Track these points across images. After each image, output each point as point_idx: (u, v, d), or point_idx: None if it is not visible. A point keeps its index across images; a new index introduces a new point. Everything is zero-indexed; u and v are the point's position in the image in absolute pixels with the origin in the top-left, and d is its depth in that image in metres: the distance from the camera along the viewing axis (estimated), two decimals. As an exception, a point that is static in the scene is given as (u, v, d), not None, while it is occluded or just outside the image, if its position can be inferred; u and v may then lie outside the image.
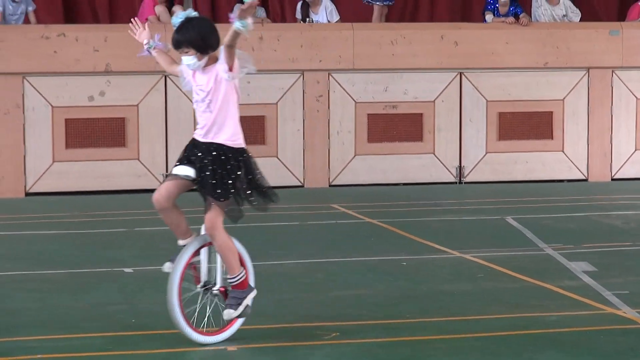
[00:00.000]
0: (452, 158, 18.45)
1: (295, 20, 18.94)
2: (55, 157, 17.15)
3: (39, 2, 18.55)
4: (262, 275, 11.45)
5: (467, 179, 18.54)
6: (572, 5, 19.45)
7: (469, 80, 18.45)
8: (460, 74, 18.42)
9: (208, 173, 8.61)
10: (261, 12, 18.77)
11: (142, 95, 17.42)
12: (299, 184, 17.90)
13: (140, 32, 9.11)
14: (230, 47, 8.58)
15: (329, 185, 17.98)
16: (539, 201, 16.82)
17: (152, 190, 17.06)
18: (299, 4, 18.84)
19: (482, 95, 18.47)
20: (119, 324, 9.50)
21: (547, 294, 10.51)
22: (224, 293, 8.70)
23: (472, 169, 18.52)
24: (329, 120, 18.04)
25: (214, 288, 8.73)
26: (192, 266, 8.71)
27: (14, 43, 17.00)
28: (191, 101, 8.91)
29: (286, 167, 17.89)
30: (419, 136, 18.34)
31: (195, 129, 8.84)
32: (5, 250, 13.06)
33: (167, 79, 17.44)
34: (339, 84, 18.04)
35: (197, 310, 8.69)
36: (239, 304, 8.59)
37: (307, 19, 18.59)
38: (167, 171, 17.50)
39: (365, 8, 19.63)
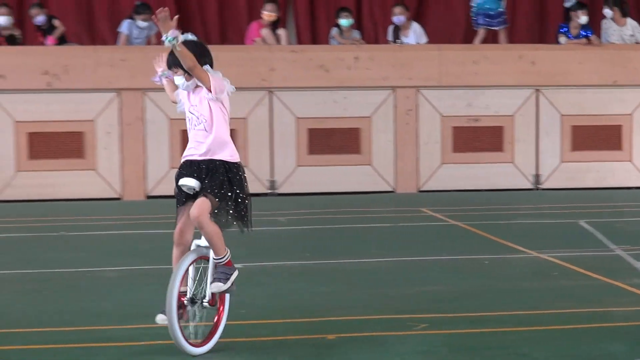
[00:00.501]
0: (530, 167, 18.35)
1: (387, 42, 18.90)
2: (172, 164, 17.25)
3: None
4: (359, 271, 11.52)
5: (544, 186, 18.43)
6: (637, 25, 19.27)
7: (545, 97, 18.33)
8: (537, 90, 18.32)
9: (207, 180, 8.15)
10: (357, 34, 18.77)
11: (249, 109, 17.47)
12: (391, 189, 17.86)
13: (159, 62, 8.68)
14: (193, 70, 8.04)
15: (418, 191, 17.93)
16: (610, 206, 16.68)
17: (259, 195, 17.29)
18: (391, 27, 18.82)
19: (557, 109, 18.36)
20: (230, 314, 9.52)
21: (617, 291, 10.40)
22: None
23: (548, 177, 18.41)
24: (417, 132, 17.99)
25: (204, 300, 8.25)
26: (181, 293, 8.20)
27: (136, 62, 17.14)
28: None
29: (379, 174, 17.87)
30: (499, 147, 18.27)
31: (186, 148, 8.27)
32: (128, 247, 13.16)
33: (272, 95, 17.49)
34: (427, 99, 18.00)
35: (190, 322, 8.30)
36: (227, 279, 8.24)
37: (398, 41, 18.57)
38: (271, 177, 17.56)
39: (451, 30, 19.62)
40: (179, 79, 8.30)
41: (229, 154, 8.24)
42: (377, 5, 20.43)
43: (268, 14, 18.10)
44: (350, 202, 16.83)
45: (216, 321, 8.35)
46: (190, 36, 8.37)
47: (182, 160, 8.30)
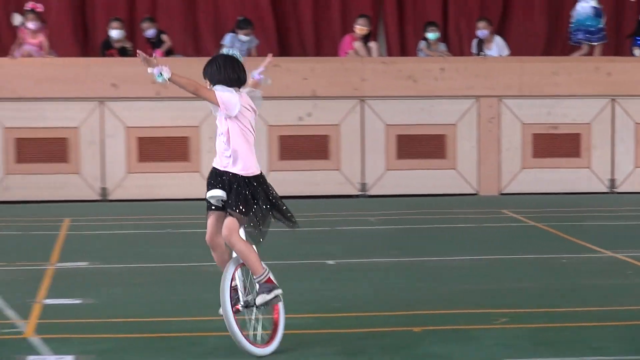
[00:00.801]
0: (605, 172, 18.20)
1: (471, 54, 18.86)
2: (270, 167, 17.36)
3: (260, 37, 18.80)
4: (444, 268, 11.52)
5: (619, 190, 18.27)
6: None
7: (620, 106, 18.19)
8: (613, 100, 18.17)
9: (232, 194, 8.03)
10: (443, 46, 18.77)
11: (342, 117, 17.52)
12: (474, 192, 17.82)
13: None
14: (196, 93, 8.01)
15: (500, 194, 17.86)
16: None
17: (350, 196, 17.33)
18: (475, 41, 18.79)
19: (631, 118, 18.20)
20: (323, 307, 9.58)
21: (689, 289, 10.35)
22: None
23: (623, 181, 18.25)
24: (499, 138, 17.94)
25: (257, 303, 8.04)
26: (233, 289, 8.03)
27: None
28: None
29: (463, 177, 17.84)
30: (577, 153, 18.15)
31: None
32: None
33: (363, 103, 17.53)
34: (509, 108, 17.94)
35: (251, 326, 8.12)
36: (271, 291, 7.96)
37: (482, 53, 18.53)
38: (362, 180, 17.60)
39: (531, 44, 19.55)
40: None
41: (241, 167, 8.08)
42: (463, 19, 20.37)
43: (360, 28, 18.17)
44: (435, 203, 16.82)
45: (274, 326, 8.12)
46: (232, 51, 8.38)
47: (211, 168, 8.25)
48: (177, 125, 17.12)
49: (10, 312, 9.35)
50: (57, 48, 18.50)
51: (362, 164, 17.64)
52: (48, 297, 10.02)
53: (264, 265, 8.07)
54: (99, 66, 17.24)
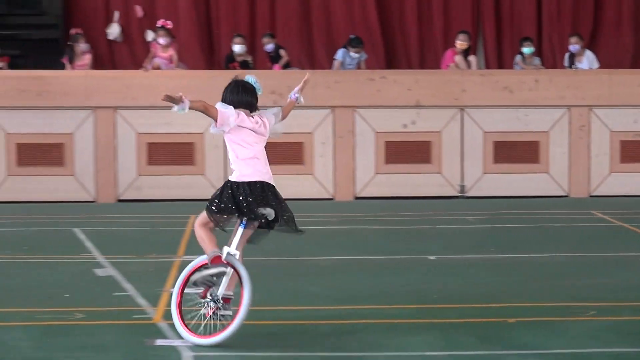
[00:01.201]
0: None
1: (563, 67, 18.66)
2: (377, 170, 17.36)
3: (369, 52, 18.83)
4: (536, 264, 11.41)
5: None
6: None
7: (702, 114, 17.87)
8: (693, 108, 17.88)
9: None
10: (537, 60, 18.60)
11: (444, 124, 17.44)
12: (565, 194, 17.61)
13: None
14: (205, 112, 8.08)
15: (589, 196, 17.62)
16: None
17: (450, 197, 17.23)
18: (567, 55, 18.59)
19: None
20: (423, 298, 9.55)
21: None
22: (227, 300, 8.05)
23: None
24: (589, 145, 17.71)
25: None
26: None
27: (348, 84, 17.30)
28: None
29: (555, 181, 17.64)
30: (662, 157, 17.89)
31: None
32: (338, 240, 13.26)
33: (463, 112, 17.44)
34: (598, 117, 17.69)
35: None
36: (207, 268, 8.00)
37: (573, 66, 18.32)
38: (461, 182, 17.51)
39: (620, 57, 19.30)
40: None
41: (234, 175, 8.11)
42: (556, 35, 20.19)
43: (461, 43, 18.09)
44: (529, 204, 16.66)
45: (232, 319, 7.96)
46: (250, 78, 8.39)
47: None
48: (292, 132, 17.16)
49: (141, 300, 9.46)
50: (186, 61, 18.69)
51: (462, 167, 17.54)
52: (175, 286, 10.10)
53: (214, 249, 8.04)
54: (222, 78, 17.13)
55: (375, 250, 12.36)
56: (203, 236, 8.14)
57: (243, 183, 8.09)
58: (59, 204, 16.68)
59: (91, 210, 16.14)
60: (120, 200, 17.05)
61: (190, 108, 8.04)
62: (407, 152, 17.44)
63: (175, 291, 8.12)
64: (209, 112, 8.10)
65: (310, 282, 10.38)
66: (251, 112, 8.26)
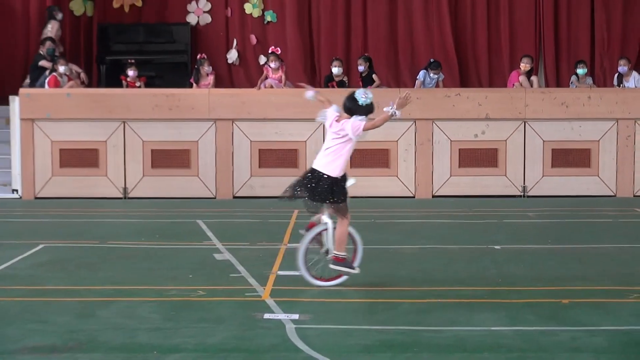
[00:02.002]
0: None
1: (612, 85, 18.34)
2: (451, 173, 17.22)
3: (446, 73, 18.72)
4: (587, 253, 11.21)
5: None
6: None
7: None
8: None
9: None
10: (590, 80, 18.30)
11: (509, 134, 17.24)
12: (612, 194, 17.28)
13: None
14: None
15: (633, 196, 17.27)
16: None
17: (514, 196, 17.01)
18: (616, 75, 18.28)
19: None
20: (490, 282, 9.45)
21: None
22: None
23: None
24: (634, 152, 17.36)
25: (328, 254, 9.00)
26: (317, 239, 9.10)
27: (428, 100, 17.18)
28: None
29: (604, 183, 17.33)
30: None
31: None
32: (418, 232, 13.18)
33: (526, 124, 17.22)
34: (642, 128, 17.38)
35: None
36: (337, 266, 8.93)
37: (621, 85, 17.98)
38: (524, 183, 17.30)
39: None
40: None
41: None
42: (606, 58, 19.97)
43: (524, 65, 17.87)
44: (581, 203, 16.41)
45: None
46: (358, 92, 9.04)
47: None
48: (380, 140, 17.11)
49: (252, 280, 9.49)
50: (292, 81, 18.74)
51: (524, 171, 17.32)
52: (280, 269, 10.15)
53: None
54: (322, 95, 17.32)
55: (449, 241, 12.27)
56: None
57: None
58: (186, 200, 16.84)
59: (212, 205, 16.27)
60: (235, 197, 17.16)
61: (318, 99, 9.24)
62: (477, 157, 17.27)
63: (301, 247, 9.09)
64: (324, 106, 9.19)
65: (395, 267, 10.33)
66: (350, 115, 8.89)
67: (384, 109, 8.83)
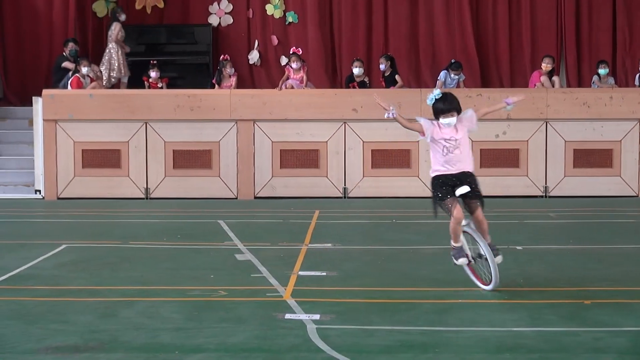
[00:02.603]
0: None
1: (634, 86, 18.27)
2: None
3: (467, 74, 18.66)
4: (608, 254, 11.14)
5: None
6: None
7: None
8: None
9: (475, 187, 8.84)
10: (611, 80, 18.23)
11: (530, 134, 17.18)
12: (635, 194, 17.20)
13: (386, 104, 8.96)
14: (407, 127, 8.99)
15: (662, 196, 17.26)
16: None
17: (535, 197, 16.94)
18: (637, 75, 18.22)
19: None
20: (511, 282, 9.41)
21: None
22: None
23: None
24: (660, 151, 17.36)
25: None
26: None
27: (448, 100, 17.09)
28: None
29: (626, 183, 17.25)
30: None
31: (442, 168, 8.89)
32: (439, 232, 13.13)
33: (547, 124, 17.15)
34: (665, 128, 17.30)
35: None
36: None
37: (643, 85, 17.95)
38: (545, 183, 17.23)
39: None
40: (453, 120, 8.96)
41: (472, 165, 9.04)
42: (628, 58, 19.91)
43: (546, 65, 17.81)
44: (603, 203, 16.33)
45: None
46: (435, 91, 9.04)
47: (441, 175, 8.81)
48: (402, 140, 17.09)
49: (273, 281, 9.49)
50: (313, 81, 18.75)
51: (545, 171, 17.27)
52: (301, 269, 10.14)
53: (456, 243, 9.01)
54: (344, 95, 17.35)
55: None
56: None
57: (439, 176, 8.83)
58: (207, 200, 16.87)
59: (233, 205, 16.29)
60: (257, 197, 17.17)
61: (396, 119, 8.81)
62: (499, 157, 17.22)
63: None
64: (411, 127, 8.91)
65: (416, 267, 10.30)
66: (444, 114, 8.84)
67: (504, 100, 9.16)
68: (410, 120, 9.05)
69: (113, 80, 18.19)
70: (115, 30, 18.23)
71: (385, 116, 8.79)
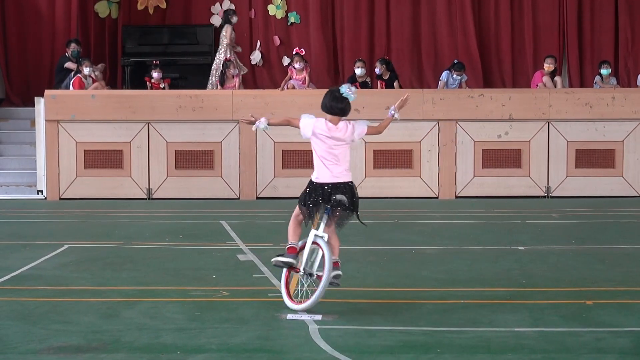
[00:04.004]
0: None
1: (637, 86, 18.26)
2: (475, 174, 17.16)
3: (469, 74, 18.66)
4: (610, 254, 11.12)
5: None
6: None
7: None
8: None
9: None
10: (613, 80, 18.21)
11: (532, 134, 17.17)
12: (637, 195, 17.18)
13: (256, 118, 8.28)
14: (289, 125, 8.36)
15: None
16: None
17: (537, 197, 16.94)
18: (639, 76, 18.22)
19: None
20: (514, 283, 9.40)
21: None
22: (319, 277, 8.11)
23: None
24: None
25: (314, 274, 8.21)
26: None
27: (451, 100, 17.12)
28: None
29: (628, 183, 17.23)
30: None
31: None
32: (443, 232, 13.14)
33: (549, 124, 17.15)
34: (667, 128, 17.31)
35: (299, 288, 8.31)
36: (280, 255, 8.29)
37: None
38: (547, 184, 17.22)
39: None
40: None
41: (314, 175, 8.42)
42: (630, 58, 19.92)
43: (548, 65, 17.80)
44: (605, 203, 16.32)
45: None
46: (343, 87, 8.36)
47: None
48: (404, 140, 17.09)
49: (275, 281, 9.49)
50: (315, 82, 18.76)
51: (548, 171, 17.25)
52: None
53: (291, 240, 8.29)
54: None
55: (473, 242, 12.22)
56: (291, 227, 8.36)
57: (318, 183, 8.25)
58: (209, 200, 16.88)
59: (235, 205, 16.29)
60: (259, 198, 17.17)
61: (271, 124, 8.21)
62: (500, 158, 17.21)
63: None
64: (292, 124, 8.26)
65: (418, 268, 10.30)
66: (341, 116, 8.26)
67: (388, 113, 8.71)
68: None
69: (211, 85, 18.17)
70: (227, 32, 18.30)
71: (253, 128, 8.23)
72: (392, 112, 8.61)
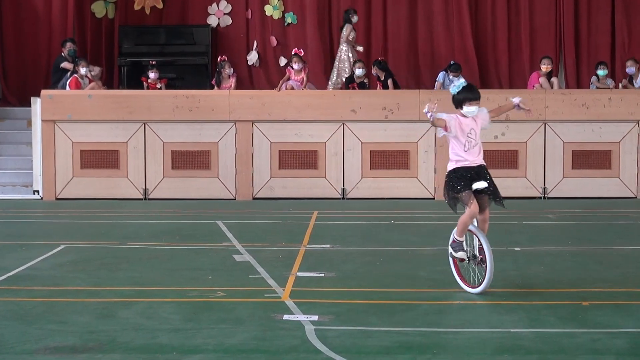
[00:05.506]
0: None
1: (633, 87, 18.27)
2: (471, 175, 17.16)
3: (466, 75, 18.65)
4: (607, 255, 11.12)
5: None
6: None
7: None
8: None
9: (492, 183, 8.80)
10: (610, 81, 18.21)
11: (529, 136, 17.18)
12: (633, 196, 17.22)
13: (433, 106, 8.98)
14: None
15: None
16: None
17: (534, 198, 16.91)
18: (638, 78, 18.23)
19: None
20: (510, 284, 9.40)
21: None
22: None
23: None
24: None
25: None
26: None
27: (448, 101, 17.02)
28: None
29: (625, 184, 17.25)
30: None
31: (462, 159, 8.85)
32: (439, 233, 13.14)
33: (546, 125, 17.15)
34: (663, 130, 17.31)
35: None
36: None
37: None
38: (544, 185, 17.23)
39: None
40: (475, 109, 9.05)
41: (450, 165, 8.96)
42: (627, 60, 19.90)
43: (545, 66, 17.82)
44: (602, 204, 16.33)
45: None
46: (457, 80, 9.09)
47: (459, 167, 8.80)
48: (400, 141, 17.10)
49: (271, 282, 9.48)
50: (314, 82, 18.75)
51: (544, 172, 17.27)
52: (300, 270, 10.13)
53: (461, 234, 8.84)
54: (343, 96, 17.36)
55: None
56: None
57: (458, 168, 8.80)
58: (206, 201, 16.87)
59: (232, 206, 16.28)
60: (255, 198, 17.16)
61: (435, 121, 8.93)
62: (497, 159, 17.20)
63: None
64: (438, 124, 8.99)
65: (414, 268, 10.29)
66: (469, 101, 8.94)
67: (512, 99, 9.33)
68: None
69: (339, 82, 18.17)
70: (347, 31, 18.32)
71: (425, 111, 8.85)
72: (517, 102, 8.94)
